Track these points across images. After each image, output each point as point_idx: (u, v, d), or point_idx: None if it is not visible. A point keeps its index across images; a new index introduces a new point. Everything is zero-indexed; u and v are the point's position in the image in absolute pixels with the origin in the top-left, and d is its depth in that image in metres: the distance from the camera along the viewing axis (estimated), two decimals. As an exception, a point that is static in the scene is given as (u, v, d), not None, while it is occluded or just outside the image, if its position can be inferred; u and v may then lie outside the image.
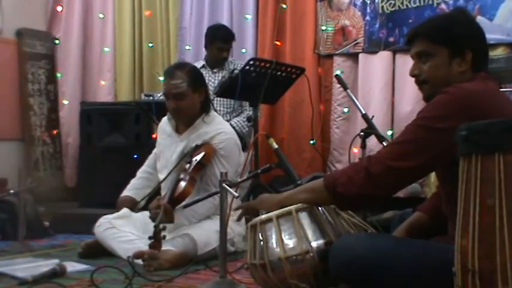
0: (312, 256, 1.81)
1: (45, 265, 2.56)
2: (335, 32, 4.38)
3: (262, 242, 1.89)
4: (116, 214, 2.99)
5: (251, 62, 3.49)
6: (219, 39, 4.23)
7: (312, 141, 4.10)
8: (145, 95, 4.34)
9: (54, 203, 4.59)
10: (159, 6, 5.05)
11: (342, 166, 4.08)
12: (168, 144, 3.16)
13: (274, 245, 1.86)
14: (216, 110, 3.57)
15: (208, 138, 3.03)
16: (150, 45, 5.07)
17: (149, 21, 5.11)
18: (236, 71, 3.51)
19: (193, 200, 2.73)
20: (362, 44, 4.27)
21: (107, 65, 5.24)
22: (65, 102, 5.23)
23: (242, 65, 3.60)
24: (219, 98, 4.05)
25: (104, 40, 5.26)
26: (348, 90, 3.05)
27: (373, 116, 2.91)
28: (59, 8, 5.31)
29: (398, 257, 1.72)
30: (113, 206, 3.15)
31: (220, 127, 3.10)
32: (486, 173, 1.30)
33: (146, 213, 2.88)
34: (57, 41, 5.30)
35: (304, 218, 1.88)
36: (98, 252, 2.90)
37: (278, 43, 4.52)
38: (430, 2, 3.99)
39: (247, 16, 4.68)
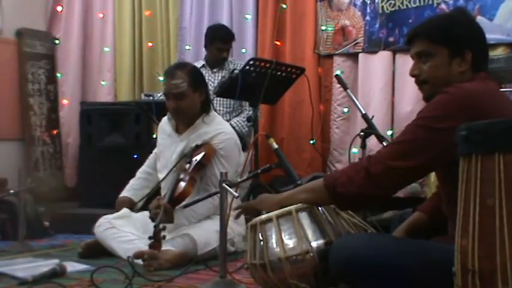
0: (312, 256, 1.81)
1: (45, 265, 2.56)
2: (335, 32, 4.38)
3: (262, 242, 1.89)
4: (116, 214, 2.99)
5: (251, 62, 3.49)
6: (219, 39, 4.24)
7: (311, 141, 4.10)
8: (145, 95, 4.34)
9: (54, 203, 4.59)
10: (159, 6, 5.05)
11: (342, 166, 4.08)
12: (168, 144, 3.16)
13: (274, 245, 1.86)
14: (216, 110, 3.57)
15: (208, 138, 3.03)
16: (150, 45, 5.07)
17: (149, 21, 5.11)
18: (236, 71, 3.51)
19: (193, 200, 2.73)
20: (362, 44, 4.27)
21: (107, 65, 5.23)
22: (65, 102, 5.23)
23: (242, 65, 3.61)
24: (218, 98, 4.05)
25: (104, 40, 5.26)
26: (348, 90, 3.05)
27: (373, 116, 2.91)
28: (59, 8, 5.31)
29: (398, 257, 1.72)
30: (113, 206, 3.15)
31: (220, 127, 3.10)
32: (486, 173, 1.30)
33: (146, 213, 2.88)
34: (57, 41, 5.30)
35: (304, 218, 1.88)
36: (98, 252, 2.90)
37: (278, 43, 4.52)
38: (430, 2, 3.99)
39: (247, 16, 4.68)
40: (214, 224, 2.63)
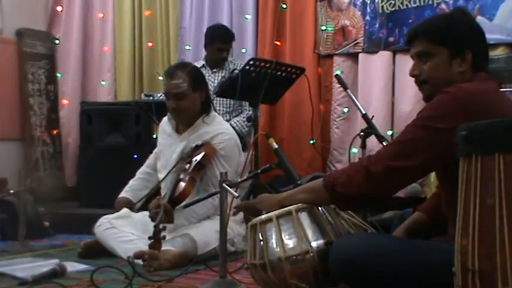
0: (312, 256, 1.81)
1: (45, 265, 2.56)
2: (335, 32, 4.38)
3: (262, 242, 1.89)
4: (116, 214, 2.99)
5: (251, 62, 3.49)
6: (219, 39, 4.23)
7: (311, 141, 4.10)
8: (145, 95, 4.34)
9: (54, 203, 4.58)
10: (159, 6, 5.05)
11: (342, 166, 4.08)
12: (168, 144, 3.16)
13: (274, 245, 1.86)
14: (216, 110, 3.57)
15: (208, 138, 3.03)
16: (150, 45, 5.07)
17: (149, 21, 5.11)
18: (236, 71, 3.51)
19: (193, 200, 2.73)
20: (362, 44, 4.27)
21: (107, 65, 5.23)
22: (65, 102, 5.22)
23: (242, 65, 3.60)
24: (218, 98, 4.05)
25: (104, 40, 5.26)
26: (348, 90, 3.05)
27: (373, 116, 2.91)
28: (59, 8, 5.31)
29: (398, 257, 1.72)
30: (113, 206, 3.16)
31: (221, 127, 3.10)
32: (486, 173, 1.30)
33: (146, 213, 2.88)
34: (57, 41, 5.30)
35: (304, 218, 1.88)
36: (97, 252, 2.90)
37: (278, 43, 4.52)
38: (430, 2, 3.99)
39: (247, 16, 4.68)
40: (214, 224, 2.62)
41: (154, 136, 3.89)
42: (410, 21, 4.02)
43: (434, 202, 2.07)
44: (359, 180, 1.77)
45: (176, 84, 3.00)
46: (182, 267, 2.56)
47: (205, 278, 2.40)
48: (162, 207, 2.68)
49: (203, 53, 4.45)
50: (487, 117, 1.40)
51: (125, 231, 2.89)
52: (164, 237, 2.58)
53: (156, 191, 3.18)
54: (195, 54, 4.80)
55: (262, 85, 3.45)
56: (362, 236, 1.96)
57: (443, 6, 3.94)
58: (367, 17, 4.24)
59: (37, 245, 3.35)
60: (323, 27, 4.41)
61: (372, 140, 2.90)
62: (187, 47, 4.89)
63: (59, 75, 5.28)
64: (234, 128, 3.60)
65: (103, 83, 5.21)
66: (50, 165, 5.13)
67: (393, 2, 4.13)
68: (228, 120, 3.93)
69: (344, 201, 1.84)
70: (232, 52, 4.48)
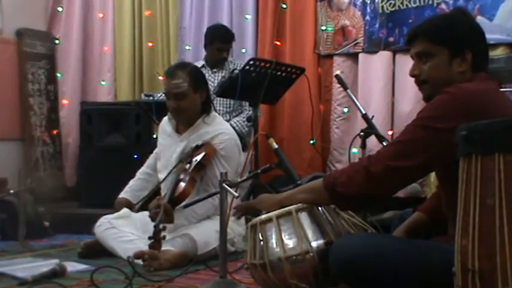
0: (312, 256, 1.81)
1: (45, 265, 2.56)
2: (335, 32, 4.38)
3: (262, 242, 1.89)
4: (116, 214, 2.99)
5: (251, 62, 3.49)
6: (219, 39, 4.23)
7: (311, 141, 4.10)
8: (145, 95, 4.34)
9: (54, 203, 4.58)
10: (159, 6, 5.05)
11: (342, 166, 4.08)
12: (168, 144, 3.16)
13: (274, 245, 1.86)
14: (216, 110, 3.57)
15: (208, 138, 3.03)
16: (150, 45, 5.06)
17: (149, 21, 5.11)
18: (236, 71, 3.51)
19: (193, 200, 2.73)
20: (362, 44, 4.27)
21: (107, 65, 5.23)
22: (65, 102, 5.22)
23: (242, 65, 3.60)
24: (218, 98, 4.05)
25: (104, 40, 5.26)
26: (348, 90, 3.05)
27: (373, 116, 2.90)
28: (59, 8, 5.31)
29: (399, 257, 1.72)
30: (113, 206, 3.16)
31: (221, 127, 3.10)
32: (486, 173, 1.30)
33: (146, 213, 2.88)
34: (57, 41, 5.30)
35: (304, 218, 1.88)
36: (97, 252, 2.90)
37: (278, 43, 4.52)
38: (430, 2, 3.99)
39: (247, 16, 4.68)
40: (214, 224, 2.62)
41: (154, 136, 3.89)
42: (410, 21, 4.02)
43: (434, 202, 2.07)
44: (359, 180, 1.77)
45: (177, 84, 3.00)
46: (182, 267, 2.56)
47: (205, 278, 2.40)
48: (162, 207, 2.68)
49: (203, 53, 4.45)
50: (487, 117, 1.40)
51: (125, 231, 2.89)
52: (164, 237, 2.58)
53: (156, 191, 3.18)
54: (195, 54, 4.80)
55: (262, 85, 3.45)
56: (362, 236, 1.96)
57: (443, 6, 3.94)
58: (367, 17, 4.24)
59: (37, 245, 3.35)
60: (323, 27, 4.41)
61: (372, 140, 2.90)
62: (187, 47, 4.89)
63: (59, 75, 5.28)
64: (234, 128, 3.60)
65: (103, 83, 5.21)
66: (50, 165, 5.13)
67: (393, 2, 4.13)
68: (228, 120, 3.93)
69: (344, 201, 1.84)
70: (232, 52, 4.48)
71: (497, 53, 3.67)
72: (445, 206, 1.87)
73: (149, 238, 2.56)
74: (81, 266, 2.66)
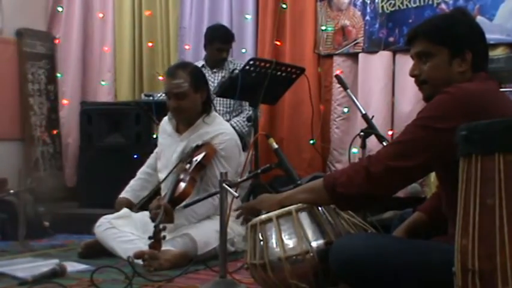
0: (312, 256, 1.81)
1: (45, 265, 2.56)
2: (335, 32, 4.38)
3: (262, 242, 1.89)
4: (116, 214, 2.99)
5: (251, 62, 3.49)
6: (218, 39, 4.23)
7: (311, 141, 4.10)
8: (145, 95, 4.34)
9: (54, 203, 4.58)
10: (159, 6, 5.05)
11: (342, 166, 4.08)
12: (168, 143, 3.16)
13: (274, 245, 1.86)
14: (216, 110, 3.56)
15: (208, 138, 3.03)
16: (150, 45, 5.06)
17: (149, 21, 5.11)
18: (236, 71, 3.51)
19: (193, 200, 2.73)
20: (362, 44, 4.27)
21: (107, 65, 5.23)
22: (65, 102, 5.22)
23: (242, 65, 3.60)
24: (218, 98, 4.05)
25: (104, 40, 5.26)
26: (348, 90, 3.05)
27: (373, 116, 2.90)
28: (59, 8, 5.31)
29: (398, 257, 1.72)
30: (112, 206, 3.16)
31: (221, 127, 3.10)
32: (486, 173, 1.30)
33: (146, 213, 2.88)
34: (57, 41, 5.29)
35: (304, 218, 1.88)
36: (97, 252, 2.90)
37: (278, 43, 4.52)
38: (430, 2, 3.99)
39: (247, 16, 4.68)
40: (214, 224, 2.63)
41: (154, 136, 3.90)
42: (410, 21, 4.02)
43: (434, 202, 2.07)
44: (359, 180, 1.77)
45: (177, 83, 3.00)
46: (182, 267, 2.56)
47: (205, 278, 2.40)
48: (162, 207, 2.68)
49: (203, 53, 4.45)
50: (487, 117, 1.40)
51: (125, 231, 2.89)
52: (164, 237, 2.58)
53: (156, 191, 3.18)
54: (195, 54, 4.80)
55: (262, 85, 3.45)
56: (362, 236, 1.96)
57: (443, 6, 3.94)
58: (367, 17, 4.24)
59: (37, 245, 3.35)
60: (323, 27, 4.41)
61: (372, 140, 2.90)
62: (187, 47, 4.89)
63: (59, 75, 5.28)
64: (234, 128, 3.60)
65: (103, 83, 5.21)
66: (50, 165, 5.14)
67: (393, 2, 4.13)
68: (228, 120, 3.93)
69: (344, 202, 1.84)
70: (232, 52, 4.48)
71: (497, 53, 3.67)
72: (445, 206, 1.87)
73: (149, 238, 2.56)
74: (81, 266, 2.66)
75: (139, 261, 2.55)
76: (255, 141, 3.56)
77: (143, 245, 2.64)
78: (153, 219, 2.72)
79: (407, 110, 3.96)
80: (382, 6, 4.17)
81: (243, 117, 4.12)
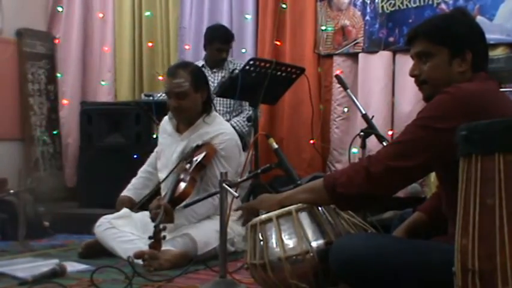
0: (312, 256, 1.81)
1: (45, 265, 2.56)
2: (335, 32, 4.38)
3: (262, 242, 1.89)
4: (116, 214, 2.99)
5: (251, 62, 3.49)
6: (218, 39, 4.23)
7: (311, 141, 4.10)
8: (145, 95, 4.34)
9: (54, 203, 4.59)
10: (159, 6, 5.05)
11: (341, 166, 4.08)
12: (168, 143, 3.17)
13: (274, 245, 1.86)
14: (216, 110, 3.56)
15: (208, 138, 3.03)
16: (150, 45, 5.06)
17: (149, 21, 5.11)
18: (236, 71, 3.51)
19: (193, 200, 2.73)
20: (362, 44, 4.27)
21: (107, 65, 5.23)
22: (65, 102, 5.22)
23: (242, 65, 3.60)
24: (218, 98, 4.05)
25: (104, 40, 5.26)
26: (348, 90, 3.05)
27: (373, 116, 2.90)
28: (59, 8, 5.31)
29: (398, 257, 1.72)
30: (113, 206, 3.16)
31: (221, 127, 3.10)
32: (486, 173, 1.30)
33: (146, 213, 2.88)
34: (57, 41, 5.29)
35: (304, 218, 1.88)
36: (98, 252, 2.90)
37: (278, 43, 4.52)
38: (430, 2, 3.99)
39: (247, 16, 4.68)
40: (214, 224, 2.63)
41: (155, 136, 3.89)
42: (410, 21, 4.02)
43: (434, 202, 2.07)
44: (359, 180, 1.77)
45: (178, 83, 3.00)
46: (182, 267, 2.56)
47: (205, 278, 2.40)
48: (162, 207, 2.68)
49: (203, 53, 4.45)
50: (487, 117, 1.40)
51: (124, 231, 2.89)
52: (164, 237, 2.58)
53: (156, 191, 3.18)
54: (195, 54, 4.80)
55: (262, 85, 3.45)
56: (362, 236, 1.96)
57: (443, 6, 3.94)
58: (367, 17, 4.24)
59: (37, 245, 3.35)
60: (323, 27, 4.41)
61: (372, 140, 2.90)
62: (187, 47, 4.89)
63: (59, 75, 5.28)
64: (234, 128, 3.60)
65: (103, 83, 5.21)
66: (50, 165, 5.13)
67: (393, 2, 4.13)
68: (228, 120, 3.92)
69: (344, 202, 1.84)
70: (232, 52, 4.48)
71: (497, 53, 3.67)
72: (445, 205, 1.87)
73: (149, 238, 2.56)
74: (81, 266, 2.66)
75: (140, 261, 2.55)
76: (255, 141, 3.56)
77: (143, 245, 2.64)
78: (153, 219, 2.72)
79: (407, 110, 3.96)
80: (382, 6, 4.17)
81: (243, 117, 4.12)
